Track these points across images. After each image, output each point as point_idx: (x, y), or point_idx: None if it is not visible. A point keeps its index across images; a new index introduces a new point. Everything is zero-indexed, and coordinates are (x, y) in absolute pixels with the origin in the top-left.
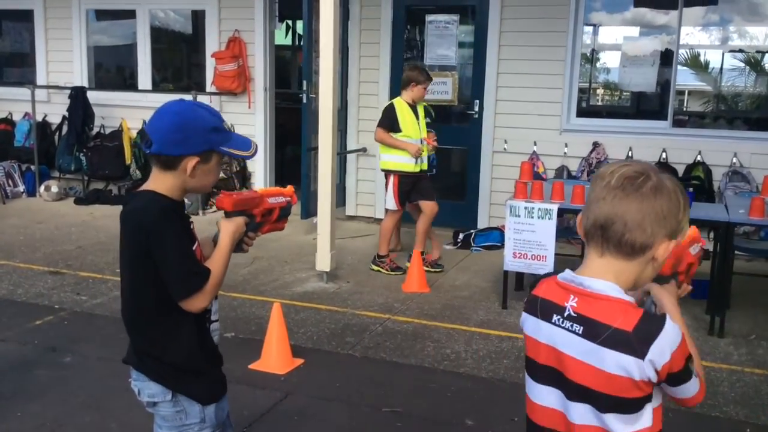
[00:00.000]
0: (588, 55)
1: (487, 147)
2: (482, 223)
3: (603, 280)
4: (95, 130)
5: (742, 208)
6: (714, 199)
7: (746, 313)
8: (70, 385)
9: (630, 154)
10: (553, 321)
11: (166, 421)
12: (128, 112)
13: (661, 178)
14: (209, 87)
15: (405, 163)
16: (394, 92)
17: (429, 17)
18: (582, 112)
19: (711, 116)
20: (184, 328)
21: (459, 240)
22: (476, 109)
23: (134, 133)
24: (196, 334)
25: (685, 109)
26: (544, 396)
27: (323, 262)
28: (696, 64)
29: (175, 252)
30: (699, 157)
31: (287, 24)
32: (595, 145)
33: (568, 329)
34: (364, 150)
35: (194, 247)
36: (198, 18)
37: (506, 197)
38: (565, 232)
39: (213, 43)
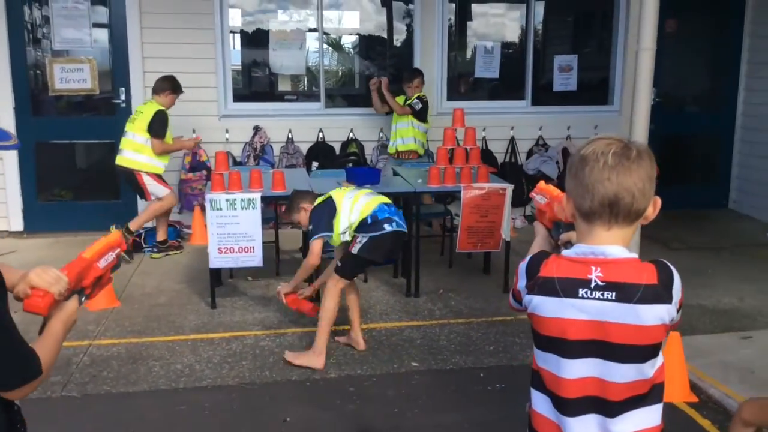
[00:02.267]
0: (240, 37)
1: None
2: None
3: (615, 245)
4: None
5: (420, 178)
6: None
7: (427, 272)
8: None
9: (290, 136)
10: (580, 295)
11: None
12: None
13: (635, 143)
14: None
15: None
16: (18, 80)
17: None
18: (240, 97)
19: (359, 95)
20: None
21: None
22: (122, 97)
23: None
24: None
25: (334, 89)
26: (578, 369)
27: None
28: (338, 46)
29: (4, 330)
30: (352, 134)
31: None
32: (257, 129)
33: (599, 298)
34: None
35: None
36: None
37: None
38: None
39: None
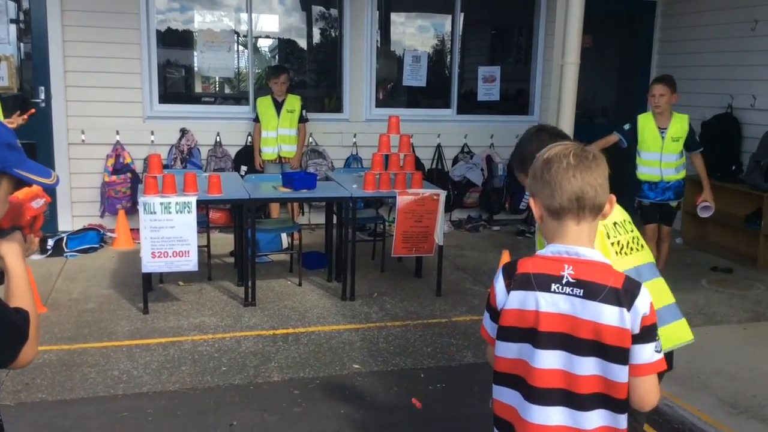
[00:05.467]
0: (166, 38)
1: (61, 139)
2: (65, 225)
3: (588, 248)
4: None
5: (355, 183)
6: None
7: (360, 276)
8: None
9: (218, 139)
10: (552, 290)
11: None
12: None
13: (593, 149)
14: None
15: None
16: None
17: None
18: (167, 98)
19: None
20: None
21: (49, 247)
22: (42, 96)
23: None
24: None
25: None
26: (548, 360)
27: None
28: (267, 50)
29: None
30: None
31: None
32: (183, 131)
33: (569, 294)
34: None
35: None
36: None
37: (91, 194)
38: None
39: None
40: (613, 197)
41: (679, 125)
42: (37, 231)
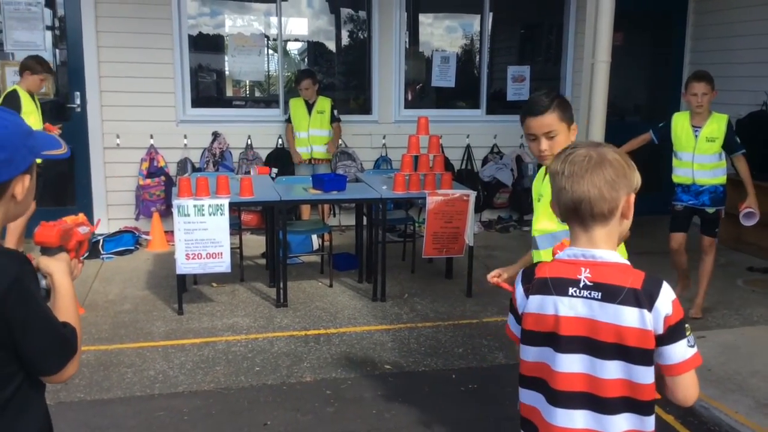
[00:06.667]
0: (198, 43)
1: (96, 143)
2: (101, 228)
3: (608, 250)
4: None
5: (384, 185)
6: None
7: (391, 277)
8: None
9: (249, 142)
10: (570, 294)
11: None
12: None
13: (601, 151)
14: None
15: None
16: None
17: None
18: (199, 102)
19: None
20: (41, 406)
21: None
22: (78, 102)
23: None
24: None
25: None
26: (569, 364)
27: None
28: (297, 53)
29: (40, 317)
30: None
31: None
32: (215, 135)
33: (587, 297)
34: None
35: None
36: None
37: (126, 196)
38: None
39: None
40: (630, 198)
41: (716, 125)
42: (81, 255)
